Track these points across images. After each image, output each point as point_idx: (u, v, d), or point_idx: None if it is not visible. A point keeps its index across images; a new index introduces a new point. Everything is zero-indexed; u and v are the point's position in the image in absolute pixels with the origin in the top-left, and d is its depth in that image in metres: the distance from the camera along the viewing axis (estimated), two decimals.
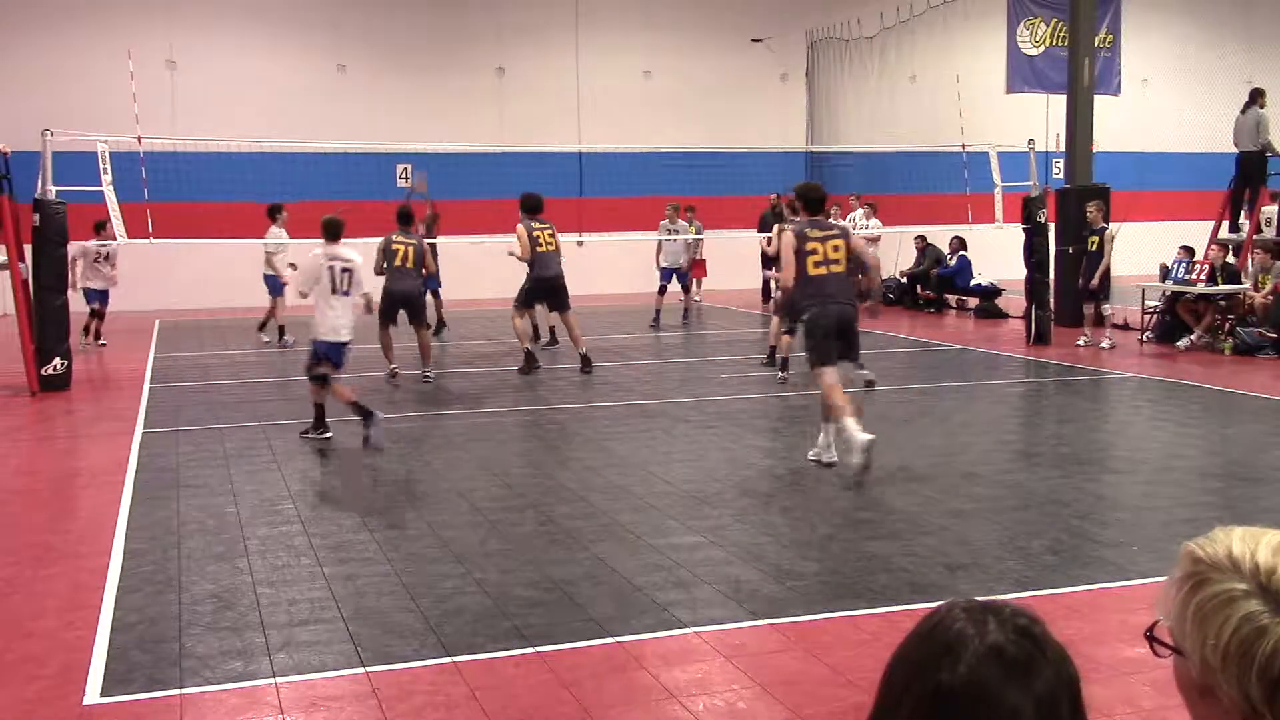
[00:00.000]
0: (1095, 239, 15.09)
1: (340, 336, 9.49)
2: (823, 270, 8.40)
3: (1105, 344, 14.88)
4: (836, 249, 8.46)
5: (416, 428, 10.42)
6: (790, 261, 8.43)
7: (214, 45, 22.21)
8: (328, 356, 9.51)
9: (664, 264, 18.69)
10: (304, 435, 9.75)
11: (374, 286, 11.40)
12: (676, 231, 18.73)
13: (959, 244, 20.17)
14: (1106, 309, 15.15)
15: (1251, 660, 1.25)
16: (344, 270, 9.46)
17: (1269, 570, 1.28)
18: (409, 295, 12.98)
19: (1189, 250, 15.68)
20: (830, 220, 9.21)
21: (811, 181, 8.89)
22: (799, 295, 8.57)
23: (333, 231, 9.67)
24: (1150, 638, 1.38)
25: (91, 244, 15.54)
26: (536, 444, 9.50)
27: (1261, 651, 1.25)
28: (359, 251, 9.93)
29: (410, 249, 12.91)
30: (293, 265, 14.91)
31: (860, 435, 8.01)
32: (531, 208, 13.68)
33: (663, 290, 18.50)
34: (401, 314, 13.16)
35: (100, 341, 15.99)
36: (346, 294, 9.47)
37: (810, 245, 8.38)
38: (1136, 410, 11.24)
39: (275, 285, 16.08)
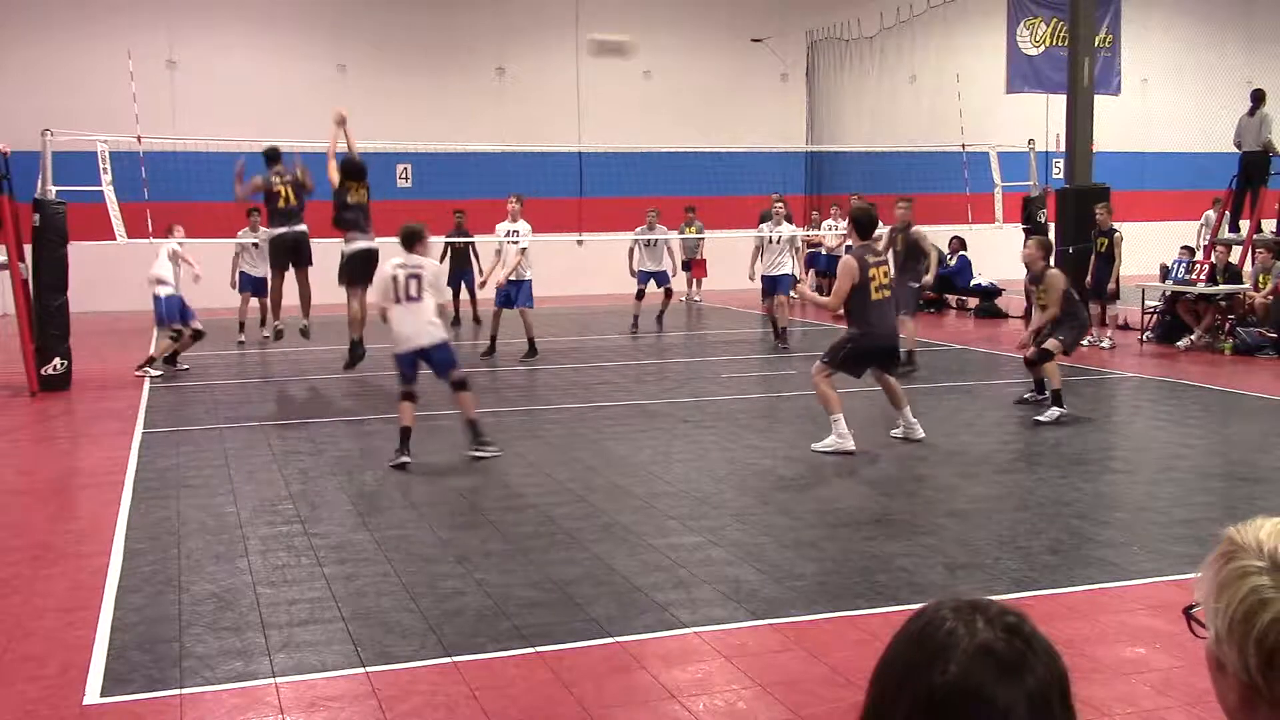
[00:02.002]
0: (1104, 240, 15.09)
1: (400, 346, 8.93)
2: (881, 295, 8.83)
3: (1105, 343, 14.93)
4: (886, 274, 8.96)
5: (416, 428, 10.41)
6: (844, 291, 8.70)
7: (214, 45, 22.21)
8: (401, 370, 8.99)
9: (640, 268, 17.94)
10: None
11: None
12: (654, 237, 18.01)
13: (959, 244, 20.17)
14: (1111, 309, 15.26)
15: (1252, 629, 1.34)
16: (410, 277, 8.89)
17: (1263, 538, 1.39)
18: (297, 239, 12.65)
19: (1190, 250, 15.70)
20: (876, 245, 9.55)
21: (865, 205, 9.17)
22: (859, 319, 8.86)
23: (406, 240, 9.11)
24: (1188, 615, 1.46)
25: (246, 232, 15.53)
26: (536, 444, 9.49)
27: (1261, 621, 1.34)
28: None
29: (289, 187, 12.65)
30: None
31: (848, 440, 8.72)
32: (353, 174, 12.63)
33: (640, 295, 17.81)
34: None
35: (266, 333, 15.57)
36: (415, 299, 8.88)
37: (871, 273, 8.78)
38: (1136, 410, 11.24)
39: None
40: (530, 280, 14.56)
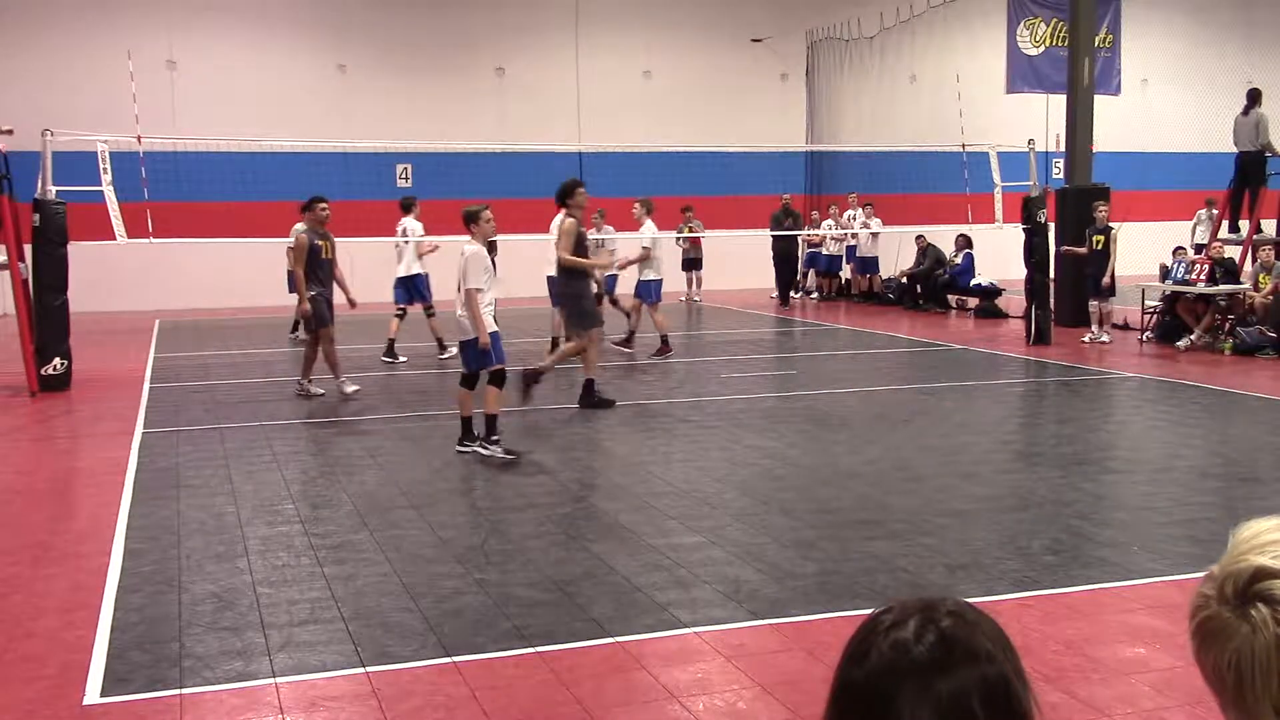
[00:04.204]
0: (1100, 238, 15.29)
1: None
2: None
3: (1105, 338, 15.18)
4: None
5: (417, 428, 10.42)
6: None
7: (214, 45, 22.22)
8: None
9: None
10: (491, 454, 8.81)
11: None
12: (602, 240, 16.08)
13: (964, 242, 20.12)
14: (1107, 305, 15.42)
15: (1191, 623, 1.38)
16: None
17: (1223, 562, 1.37)
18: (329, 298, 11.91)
19: (1183, 250, 15.77)
20: None
21: None
22: None
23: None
24: None
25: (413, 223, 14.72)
26: (536, 444, 9.48)
27: (1198, 617, 1.37)
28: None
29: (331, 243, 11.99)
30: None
31: None
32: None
33: (612, 301, 15.95)
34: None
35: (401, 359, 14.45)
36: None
37: None
38: (1136, 410, 11.24)
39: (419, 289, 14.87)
40: None
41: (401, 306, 14.80)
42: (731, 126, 23.93)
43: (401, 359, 14.48)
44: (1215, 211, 20.79)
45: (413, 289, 14.77)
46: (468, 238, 8.99)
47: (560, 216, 11.14)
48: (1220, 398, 11.49)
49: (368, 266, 17.38)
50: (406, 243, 14.73)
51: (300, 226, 15.93)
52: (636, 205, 15.64)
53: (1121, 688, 4.58)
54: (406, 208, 15.10)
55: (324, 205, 11.91)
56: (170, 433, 10.10)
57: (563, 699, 4.52)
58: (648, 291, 15.22)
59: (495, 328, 8.99)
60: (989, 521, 7.01)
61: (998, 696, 1.25)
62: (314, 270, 11.68)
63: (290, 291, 16.54)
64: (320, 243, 11.74)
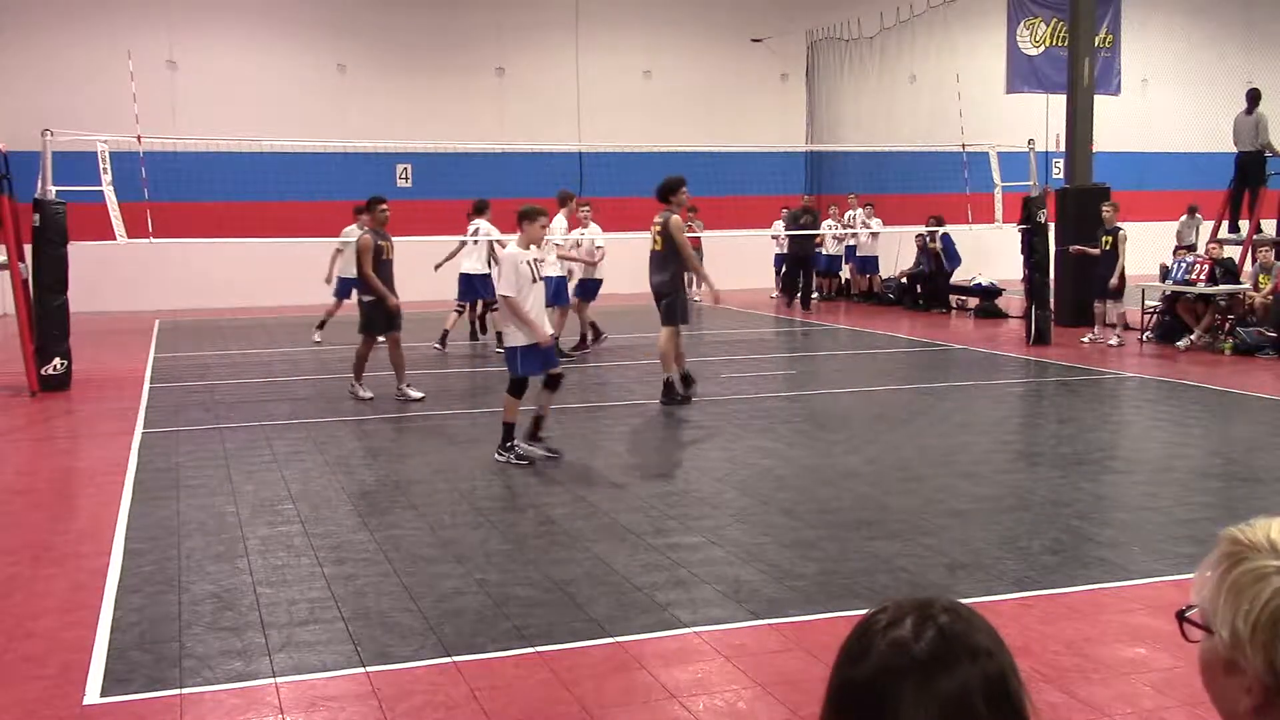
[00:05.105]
0: (1109, 239, 15.26)
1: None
2: None
3: (1114, 341, 15.09)
4: None
5: (417, 428, 10.43)
6: None
7: (214, 45, 22.21)
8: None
9: (549, 272, 14.75)
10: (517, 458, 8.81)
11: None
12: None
13: (935, 222, 20.00)
14: (1119, 307, 15.42)
15: (1234, 572, 1.33)
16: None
17: (1246, 530, 1.36)
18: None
19: (1188, 249, 15.75)
20: None
21: None
22: None
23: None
24: (1181, 617, 1.42)
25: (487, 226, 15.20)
26: (537, 444, 9.47)
27: (1241, 567, 1.33)
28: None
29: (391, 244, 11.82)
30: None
31: None
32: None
33: (568, 306, 15.08)
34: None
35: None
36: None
37: None
38: (1136, 410, 11.24)
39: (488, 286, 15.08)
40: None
41: (461, 304, 15.43)
42: (731, 126, 23.91)
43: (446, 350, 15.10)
44: (1199, 217, 20.82)
45: (475, 286, 15.26)
46: (514, 237, 8.97)
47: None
48: (1220, 398, 11.49)
49: None
50: (476, 241, 15.12)
51: (353, 228, 16.13)
52: (583, 208, 15.90)
53: (1121, 688, 4.58)
54: (480, 209, 15.49)
55: (384, 206, 11.80)
56: (170, 433, 10.09)
57: (563, 699, 4.52)
58: (589, 290, 15.60)
59: (533, 339, 8.74)
60: (989, 521, 7.01)
61: (998, 693, 1.25)
62: (377, 271, 11.53)
63: (324, 283, 16.57)
64: (382, 244, 11.62)
